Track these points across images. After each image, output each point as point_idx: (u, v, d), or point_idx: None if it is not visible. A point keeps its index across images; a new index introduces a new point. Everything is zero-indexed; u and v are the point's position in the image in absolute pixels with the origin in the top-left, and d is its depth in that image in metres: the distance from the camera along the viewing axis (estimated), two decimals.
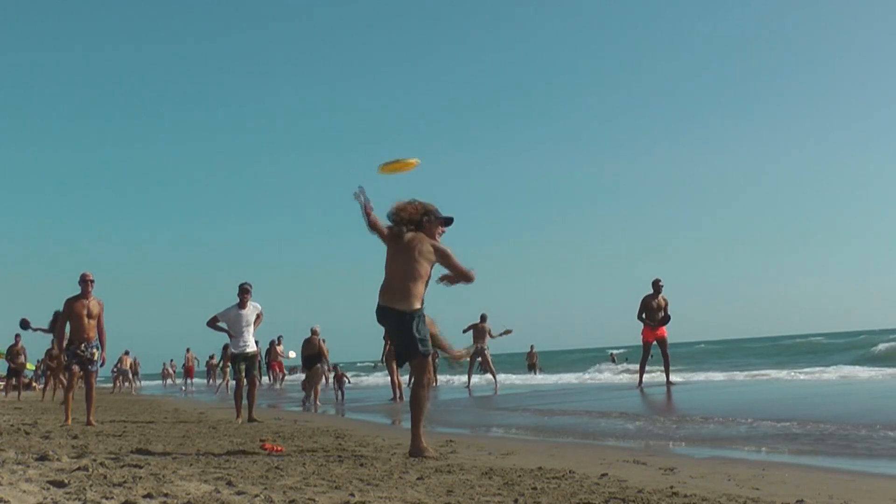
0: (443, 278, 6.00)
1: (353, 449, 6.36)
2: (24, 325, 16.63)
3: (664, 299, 14.72)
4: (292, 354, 26.81)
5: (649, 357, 15.07)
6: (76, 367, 9.71)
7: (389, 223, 5.88)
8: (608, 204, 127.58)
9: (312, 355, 16.16)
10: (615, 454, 5.95)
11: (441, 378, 21.34)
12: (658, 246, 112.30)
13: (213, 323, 10.47)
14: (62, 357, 9.69)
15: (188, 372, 36.82)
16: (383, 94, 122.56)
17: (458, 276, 5.93)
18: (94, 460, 5.11)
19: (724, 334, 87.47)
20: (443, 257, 5.84)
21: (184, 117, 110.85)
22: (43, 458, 5.13)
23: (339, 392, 17.63)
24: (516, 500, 3.78)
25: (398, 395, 15.18)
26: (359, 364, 46.02)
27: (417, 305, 5.72)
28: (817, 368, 19.33)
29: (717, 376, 19.67)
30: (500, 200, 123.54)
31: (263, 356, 24.92)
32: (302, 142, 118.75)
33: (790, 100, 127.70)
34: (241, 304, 10.45)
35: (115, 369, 31.74)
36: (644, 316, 14.64)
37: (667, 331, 14.75)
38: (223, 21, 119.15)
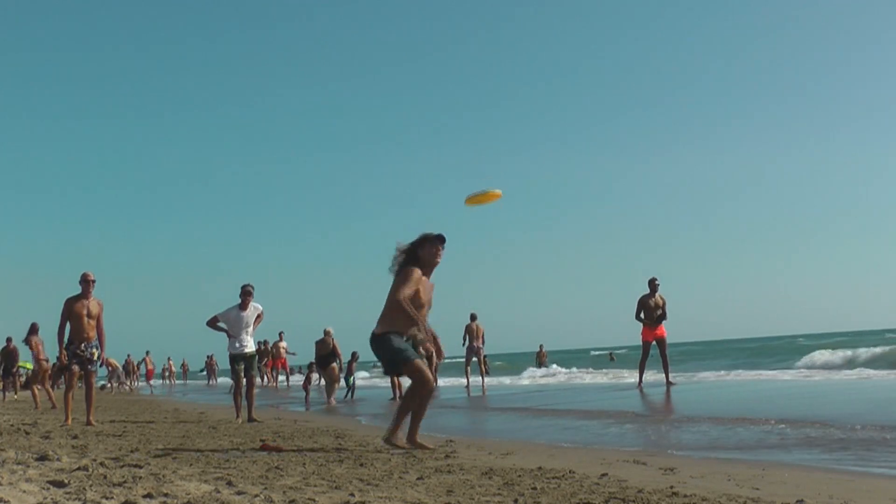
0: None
1: (353, 449, 6.36)
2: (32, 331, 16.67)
3: (661, 298, 14.72)
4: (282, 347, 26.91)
5: (648, 357, 15.07)
6: (76, 367, 9.71)
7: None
8: (607, 204, 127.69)
9: (326, 355, 16.43)
10: (615, 454, 5.95)
11: (441, 380, 21.35)
12: (657, 246, 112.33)
13: (213, 323, 10.48)
14: (62, 357, 9.68)
15: (149, 375, 39.57)
16: (383, 94, 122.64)
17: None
18: (94, 460, 5.11)
19: (724, 334, 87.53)
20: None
21: (184, 117, 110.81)
22: (43, 458, 5.13)
23: (351, 391, 17.66)
24: (516, 500, 3.78)
25: (398, 395, 15.20)
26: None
27: (387, 329, 6.07)
28: (816, 369, 19.34)
29: (717, 376, 19.68)
30: (502, 200, 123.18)
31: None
32: (302, 142, 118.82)
33: (790, 100, 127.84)
34: (243, 306, 10.47)
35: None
36: (643, 315, 14.64)
37: (666, 330, 14.75)
38: (225, 21, 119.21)
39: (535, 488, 4.14)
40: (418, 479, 4.50)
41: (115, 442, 7.07)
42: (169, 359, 44.32)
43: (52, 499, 3.55)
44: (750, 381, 16.92)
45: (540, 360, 31.13)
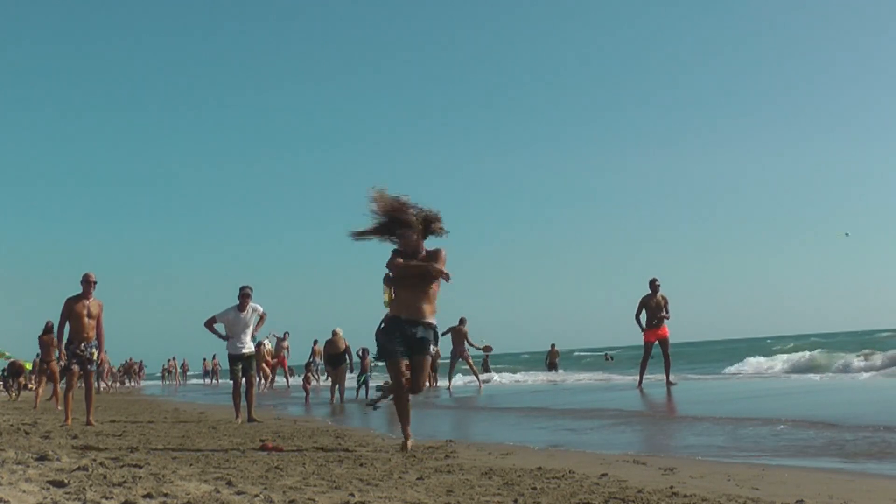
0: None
1: (353, 449, 6.36)
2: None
3: (663, 297, 14.70)
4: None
5: (650, 357, 15.06)
6: (76, 367, 9.71)
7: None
8: (605, 204, 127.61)
9: (336, 355, 16.51)
10: (615, 454, 5.95)
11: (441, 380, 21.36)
12: (656, 246, 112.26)
13: (210, 324, 10.50)
14: (62, 357, 9.68)
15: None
16: (383, 94, 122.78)
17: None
18: (94, 460, 5.11)
19: (724, 334, 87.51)
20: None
21: (185, 117, 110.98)
22: (43, 458, 5.13)
23: (365, 388, 17.54)
24: (516, 500, 3.78)
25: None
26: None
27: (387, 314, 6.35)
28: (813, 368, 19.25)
29: (717, 376, 19.67)
30: (497, 200, 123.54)
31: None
32: (302, 141, 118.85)
33: (786, 100, 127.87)
34: (241, 307, 10.49)
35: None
36: (644, 315, 14.63)
37: (669, 330, 14.74)
38: (224, 20, 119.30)
39: (534, 488, 4.14)
40: (418, 479, 4.51)
41: (115, 442, 7.07)
42: (173, 359, 44.48)
43: (51, 499, 3.55)
44: (750, 381, 16.91)
45: (552, 359, 30.64)
